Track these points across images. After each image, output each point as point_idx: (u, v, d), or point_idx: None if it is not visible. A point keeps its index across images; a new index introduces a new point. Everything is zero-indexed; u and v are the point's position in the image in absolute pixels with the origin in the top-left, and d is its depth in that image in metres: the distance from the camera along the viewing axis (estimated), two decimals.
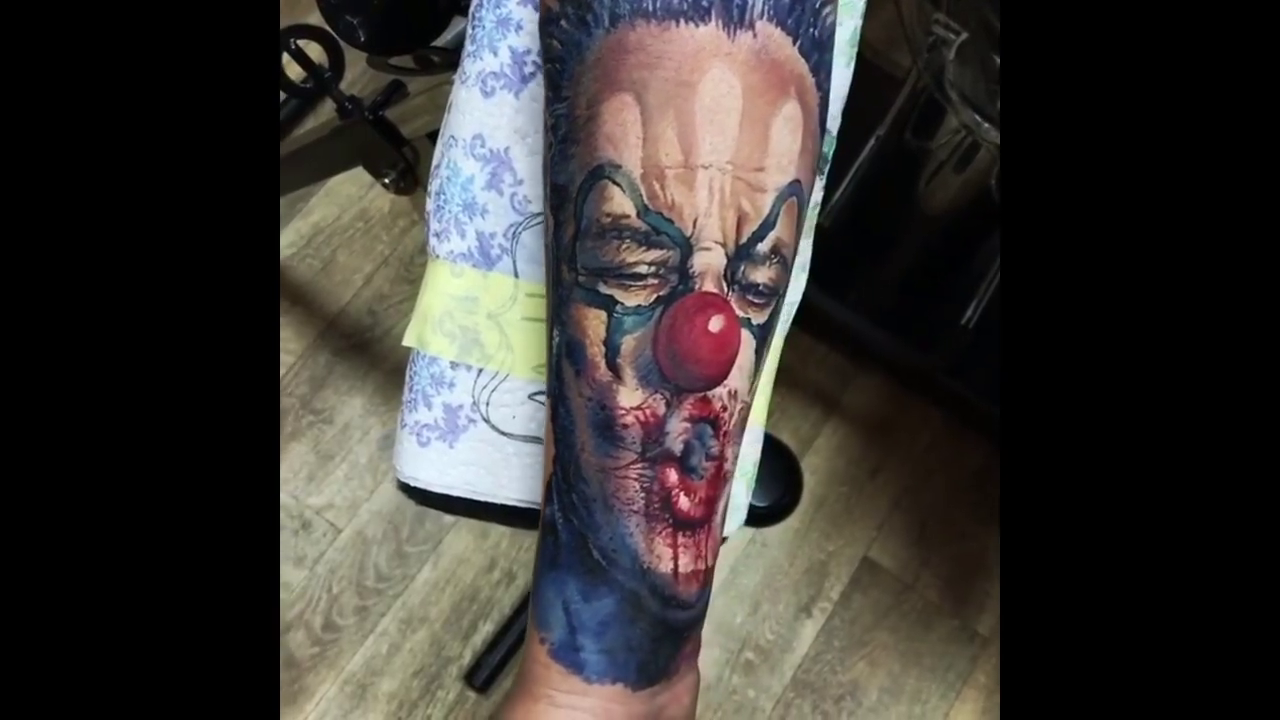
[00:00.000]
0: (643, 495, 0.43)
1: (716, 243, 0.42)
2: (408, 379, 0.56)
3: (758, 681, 1.26)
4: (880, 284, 1.30)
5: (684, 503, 0.44)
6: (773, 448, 1.33)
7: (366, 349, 1.33)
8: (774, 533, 1.30)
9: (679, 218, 0.42)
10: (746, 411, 0.46)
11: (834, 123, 0.55)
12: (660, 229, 0.42)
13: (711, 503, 0.45)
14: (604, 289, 0.43)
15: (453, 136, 0.54)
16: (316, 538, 1.25)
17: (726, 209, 0.42)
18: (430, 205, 0.55)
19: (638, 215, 0.42)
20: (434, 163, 0.55)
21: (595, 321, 0.43)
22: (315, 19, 0.70)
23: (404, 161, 0.85)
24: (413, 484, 0.57)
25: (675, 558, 0.44)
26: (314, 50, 0.79)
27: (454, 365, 0.55)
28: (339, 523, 1.26)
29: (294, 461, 1.27)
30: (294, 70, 0.79)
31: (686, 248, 0.42)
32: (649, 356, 0.42)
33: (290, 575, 1.23)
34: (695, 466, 0.44)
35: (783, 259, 0.44)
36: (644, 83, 0.40)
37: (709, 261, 0.42)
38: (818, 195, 0.55)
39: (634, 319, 0.42)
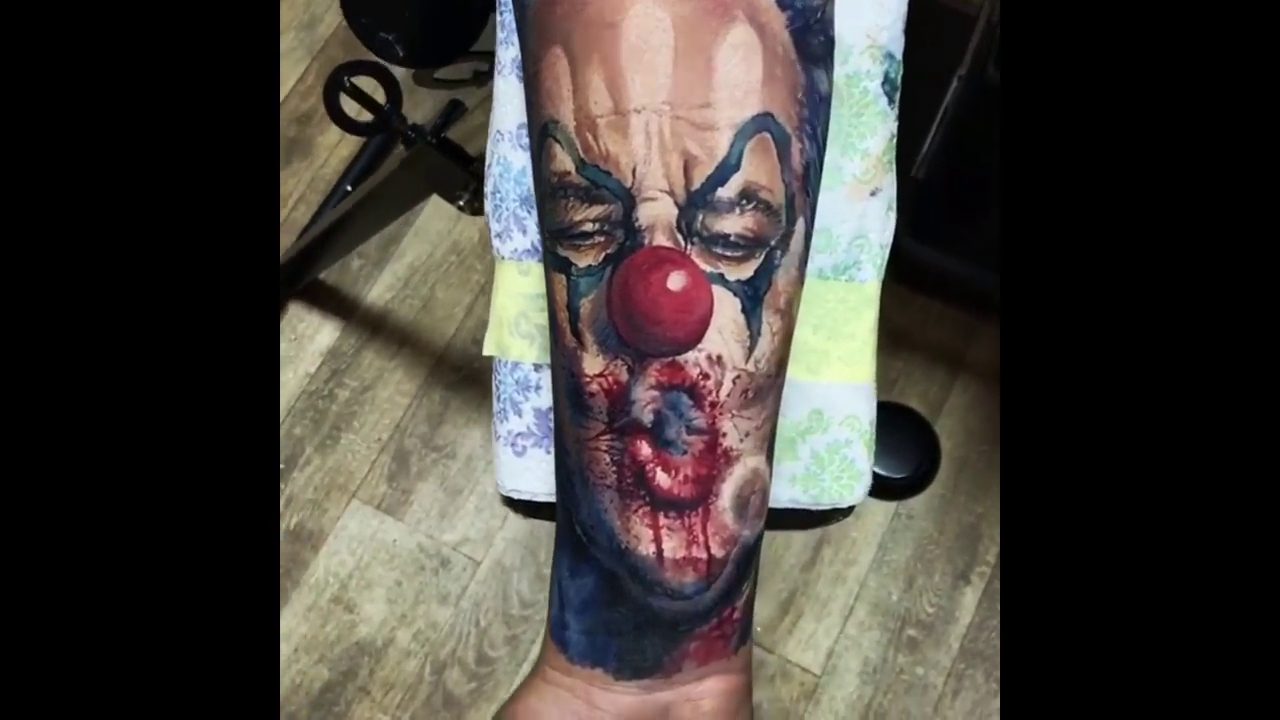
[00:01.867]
0: (614, 469, 0.40)
1: (662, 191, 0.38)
2: (494, 389, 0.54)
3: (925, 657, 1.20)
4: (988, 229, 1.24)
5: (662, 479, 0.40)
6: (903, 415, 1.27)
7: (478, 379, 1.32)
8: (918, 503, 1.25)
9: (616, 168, 0.38)
10: (762, 381, 0.41)
11: (895, 44, 0.51)
12: (599, 182, 0.39)
13: (704, 482, 0.41)
14: (561, 251, 0.41)
15: (499, 131, 0.52)
16: (457, 573, 1.24)
17: (668, 154, 0.38)
18: (488, 206, 0.53)
19: (576, 171, 0.39)
20: (486, 162, 0.53)
21: (559, 286, 0.41)
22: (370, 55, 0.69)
23: (474, 180, 0.84)
24: (517, 496, 0.54)
25: (657, 540, 0.41)
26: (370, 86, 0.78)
27: (537, 367, 0.53)
28: (476, 555, 1.25)
29: (424, 501, 1.26)
30: (353, 108, 0.78)
31: (628, 200, 0.39)
32: (604, 320, 0.39)
33: (437, 614, 1.22)
34: (672, 440, 0.40)
35: (761, 204, 0.39)
36: (569, 32, 0.38)
37: (656, 213, 0.38)
38: (886, 129, 0.51)
39: (587, 280, 0.40)
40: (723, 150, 0.38)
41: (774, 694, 1.19)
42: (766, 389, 0.42)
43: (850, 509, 0.55)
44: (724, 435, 0.41)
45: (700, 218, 0.39)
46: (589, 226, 0.40)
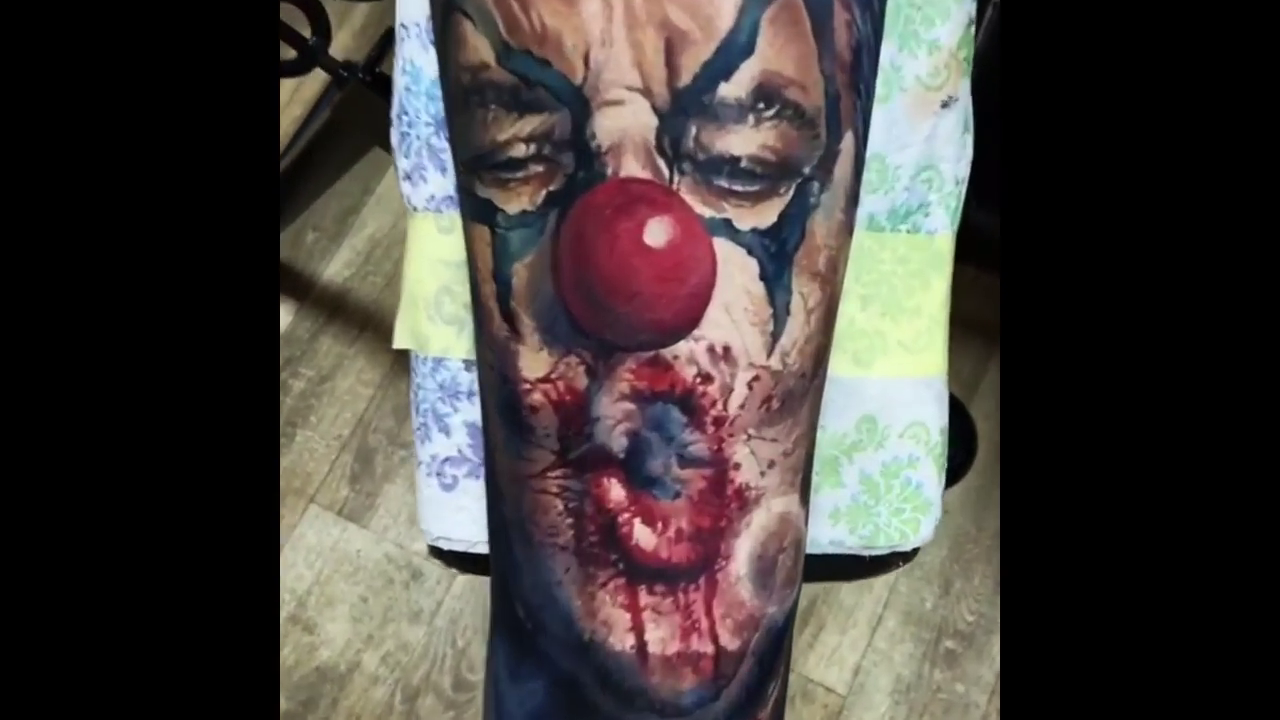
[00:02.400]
0: (569, 521, 0.29)
1: (631, 90, 0.27)
2: (412, 397, 0.39)
3: (965, 673, 1.08)
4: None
5: (643, 537, 0.29)
6: None
7: None
8: (952, 496, 1.12)
9: (557, 55, 0.27)
10: (792, 384, 0.29)
11: None
12: (532, 78, 0.28)
13: (707, 540, 0.29)
14: (481, 190, 0.29)
15: (404, 24, 0.36)
16: (430, 587, 1.12)
17: (640, 28, 0.27)
18: (394, 135, 0.37)
19: (498, 61, 0.28)
20: (393, 75, 0.37)
21: (481, 245, 0.30)
22: None
23: None
24: (446, 547, 0.39)
25: (637, 628, 0.29)
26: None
27: (469, 365, 0.37)
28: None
29: (391, 505, 1.13)
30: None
31: (579, 105, 0.27)
32: (549, 295, 0.29)
33: (408, 634, 1.09)
34: (657, 477, 0.29)
35: (789, 108, 0.27)
36: None
37: (622, 125, 0.27)
38: (963, 10, 0.36)
39: (521, 235, 0.29)
40: (726, 21, 0.27)
41: (794, 718, 1.09)
42: (799, 395, 0.30)
43: (913, 553, 0.40)
44: (736, 468, 0.29)
45: (693, 131, 0.27)
46: (520, 150, 0.28)
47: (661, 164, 0.27)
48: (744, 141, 0.27)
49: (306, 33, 0.67)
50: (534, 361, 0.29)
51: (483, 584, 1.12)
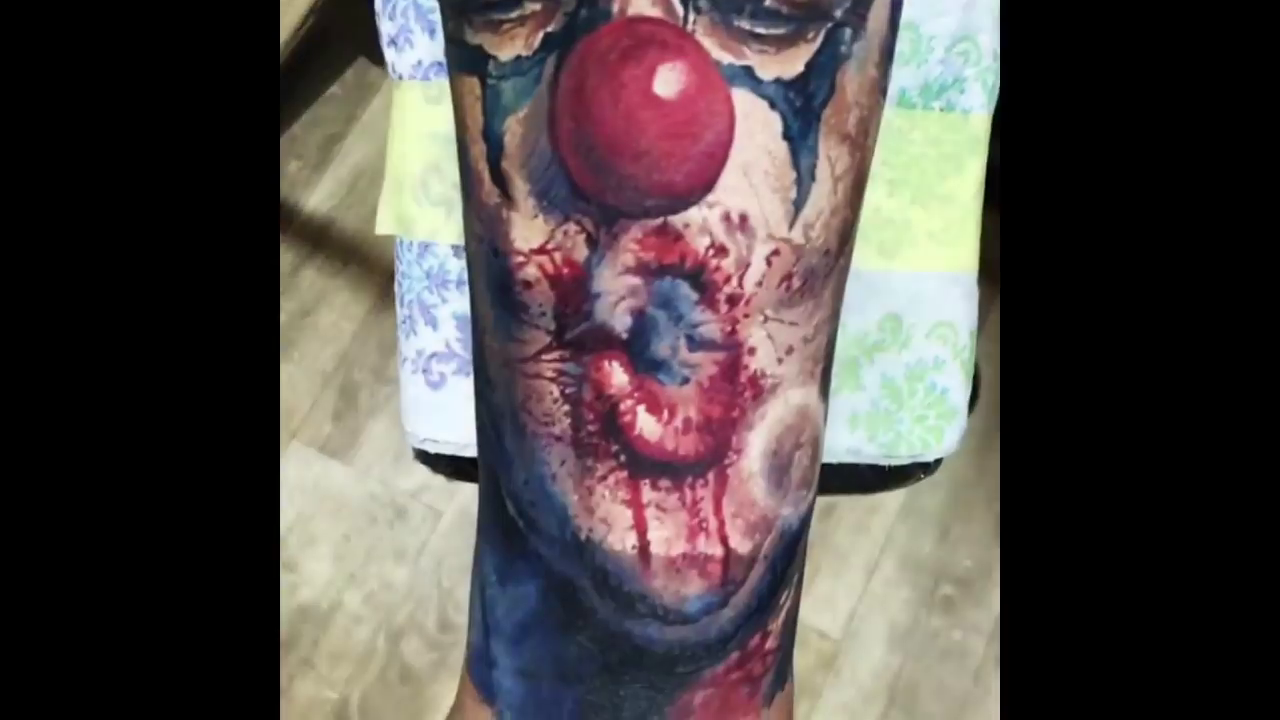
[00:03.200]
0: (566, 409, 0.27)
1: None
2: (396, 286, 0.35)
3: (963, 619, 1.06)
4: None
5: (647, 426, 0.26)
6: None
7: None
8: None
9: None
10: (815, 261, 0.27)
11: None
12: None
13: (718, 430, 0.27)
14: (470, 37, 0.26)
15: None
16: (415, 525, 1.09)
17: None
18: (376, 1, 0.34)
19: None
20: None
21: (471, 100, 0.27)
22: None
23: None
24: (433, 449, 0.36)
25: (639, 526, 0.27)
26: None
27: (458, 251, 0.34)
28: (438, 505, 1.11)
29: (376, 444, 1.11)
30: None
31: None
32: (546, 153, 0.26)
33: (392, 574, 1.07)
34: (663, 360, 0.26)
35: None
36: None
37: None
38: None
39: (515, 84, 0.26)
40: None
41: None
42: (822, 274, 0.27)
43: (936, 464, 0.37)
44: (751, 352, 0.27)
45: None
46: None
47: (675, 1, 0.24)
48: None
49: None
50: (528, 230, 0.26)
51: (469, 523, 1.09)
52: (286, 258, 1.16)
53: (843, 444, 0.37)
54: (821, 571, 1.07)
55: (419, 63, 0.34)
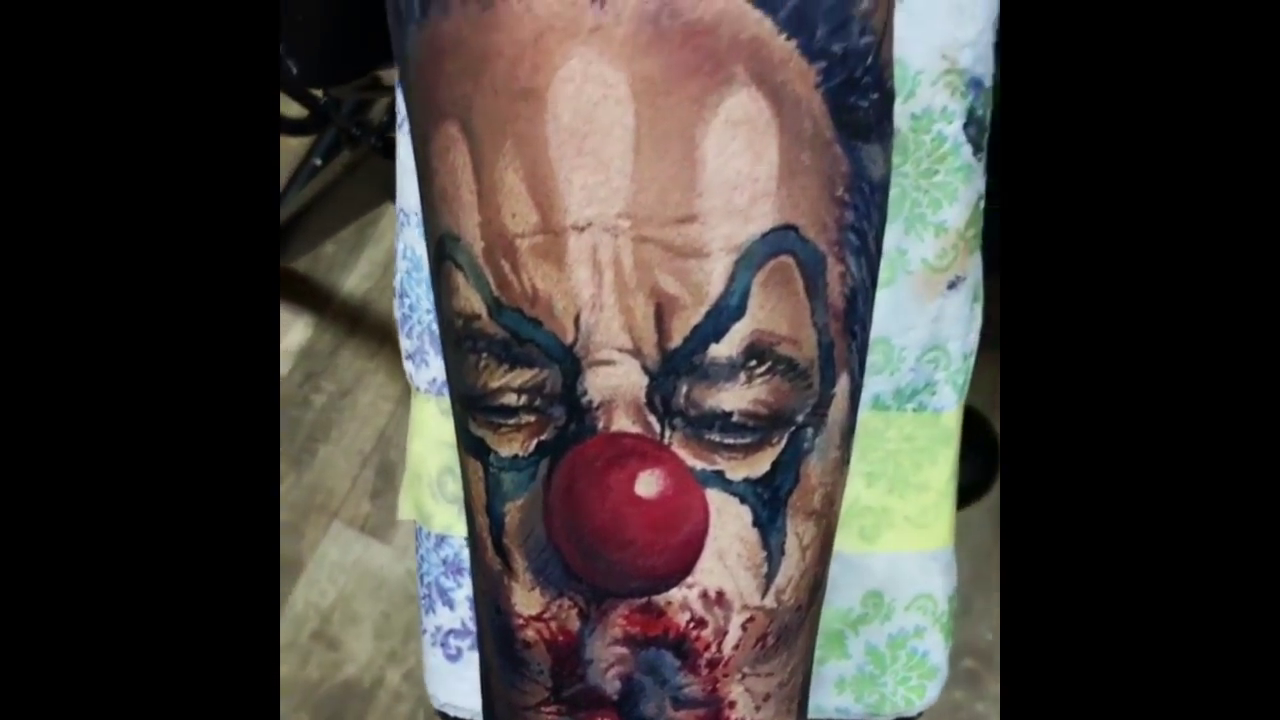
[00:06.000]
0: None
1: (622, 351, 0.27)
2: (418, 565, 0.38)
3: (985, 691, 1.07)
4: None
5: None
6: None
7: None
8: (972, 513, 1.10)
9: (548, 316, 0.27)
10: (787, 619, 0.29)
11: (983, 65, 0.35)
12: (523, 335, 0.28)
13: None
14: (475, 429, 0.29)
15: (404, 211, 0.36)
16: None
17: (630, 294, 0.27)
18: (397, 312, 0.37)
19: (489, 315, 0.28)
20: (395, 249, 0.37)
21: (475, 478, 0.30)
22: None
23: None
24: (454, 714, 0.39)
25: None
26: None
27: None
28: None
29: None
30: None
31: (570, 363, 0.27)
32: (541, 538, 0.28)
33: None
34: (651, 718, 0.28)
35: (781, 363, 0.27)
36: (467, 101, 0.27)
37: (614, 384, 0.27)
38: (970, 191, 0.35)
39: (513, 477, 0.29)
40: (717, 287, 0.27)
41: None
42: (795, 628, 0.30)
43: (918, 716, 0.40)
44: (731, 705, 0.29)
45: (684, 389, 0.27)
46: (511, 399, 0.28)
47: (653, 420, 0.27)
48: (735, 398, 0.27)
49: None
50: (527, 599, 0.29)
51: None
52: (324, 338, 1.20)
53: (831, 704, 0.40)
54: None
55: (434, 380, 0.37)
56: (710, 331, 0.26)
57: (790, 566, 0.29)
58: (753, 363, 0.27)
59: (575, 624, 0.28)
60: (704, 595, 0.28)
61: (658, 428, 0.27)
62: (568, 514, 0.28)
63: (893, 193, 0.36)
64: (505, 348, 0.28)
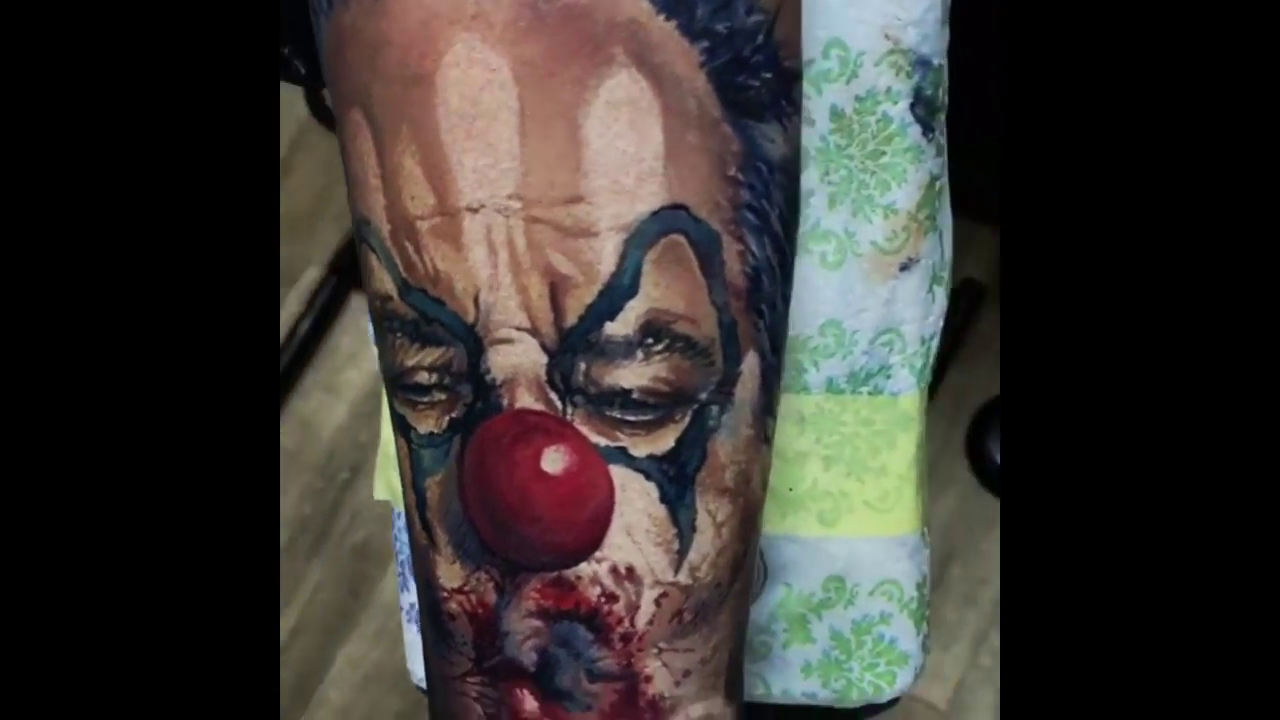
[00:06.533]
0: None
1: (521, 329, 0.28)
2: (394, 544, 0.40)
3: None
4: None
5: None
6: None
7: None
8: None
9: (449, 295, 0.28)
10: (705, 596, 0.30)
11: (931, 43, 0.35)
12: (429, 314, 0.29)
13: None
14: (398, 406, 0.31)
15: None
16: None
17: (525, 273, 0.28)
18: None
19: (399, 296, 0.29)
20: None
21: (403, 455, 0.31)
22: None
23: None
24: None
25: None
26: None
27: None
28: None
29: None
30: None
31: (473, 342, 0.28)
32: (458, 513, 0.30)
33: None
34: (567, 690, 0.29)
35: (679, 342, 0.28)
36: (367, 89, 0.28)
37: (514, 362, 0.28)
38: (921, 172, 0.35)
39: (431, 453, 0.30)
40: (608, 266, 0.27)
41: None
42: (715, 605, 0.30)
43: (893, 702, 0.39)
44: (648, 680, 0.30)
45: (583, 367, 0.28)
46: (424, 378, 0.30)
47: (554, 397, 0.28)
48: (634, 375, 0.27)
49: None
50: (449, 572, 0.30)
51: None
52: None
53: (798, 688, 0.40)
54: (929, 642, 1.08)
55: None
56: (605, 310, 0.27)
57: (704, 543, 0.29)
58: (649, 340, 0.27)
59: (492, 597, 0.29)
60: (614, 570, 0.29)
61: (559, 405, 0.28)
62: (479, 490, 0.29)
63: (839, 175, 0.36)
64: (415, 327, 0.29)
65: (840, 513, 0.38)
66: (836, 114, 0.35)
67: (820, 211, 0.36)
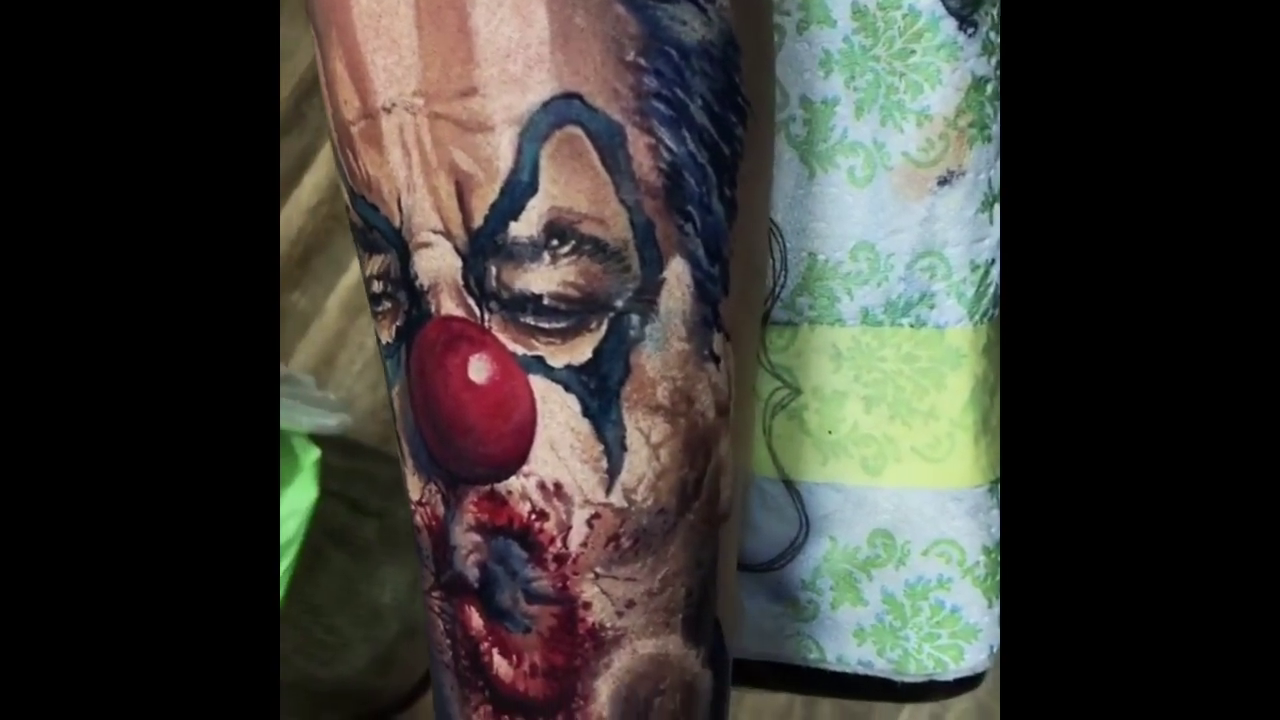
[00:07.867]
0: (448, 641, 0.30)
1: (436, 232, 0.27)
2: None
3: None
4: None
5: (501, 667, 0.29)
6: None
7: None
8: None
9: (380, 200, 0.28)
10: (646, 522, 0.28)
11: None
12: (370, 221, 0.29)
13: (562, 676, 0.28)
14: (372, 320, 0.31)
15: None
16: None
17: (435, 173, 0.27)
18: None
19: (350, 204, 0.29)
20: None
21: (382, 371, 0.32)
22: None
23: None
24: None
25: None
26: None
27: None
28: None
29: None
30: None
31: (401, 246, 0.28)
32: (411, 423, 0.30)
33: None
34: (507, 610, 0.29)
35: (587, 243, 0.26)
36: (311, 2, 0.28)
37: (436, 266, 0.27)
38: (959, 72, 0.31)
39: (391, 364, 0.30)
40: (506, 162, 0.26)
41: None
42: (660, 533, 0.29)
43: (974, 680, 0.35)
44: (586, 607, 0.29)
45: (494, 271, 0.27)
46: (376, 286, 0.30)
47: (472, 303, 0.27)
48: (543, 279, 0.26)
49: None
50: (413, 484, 0.30)
51: None
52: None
53: (853, 655, 0.36)
54: None
55: None
56: (507, 209, 0.26)
57: (638, 464, 0.28)
58: (554, 242, 0.26)
59: (441, 509, 0.29)
60: (541, 486, 0.28)
61: (477, 311, 0.27)
62: (422, 399, 0.29)
63: (865, 79, 0.33)
64: (363, 235, 0.29)
65: (886, 460, 0.34)
66: (858, 11, 0.32)
67: (846, 121, 0.33)
